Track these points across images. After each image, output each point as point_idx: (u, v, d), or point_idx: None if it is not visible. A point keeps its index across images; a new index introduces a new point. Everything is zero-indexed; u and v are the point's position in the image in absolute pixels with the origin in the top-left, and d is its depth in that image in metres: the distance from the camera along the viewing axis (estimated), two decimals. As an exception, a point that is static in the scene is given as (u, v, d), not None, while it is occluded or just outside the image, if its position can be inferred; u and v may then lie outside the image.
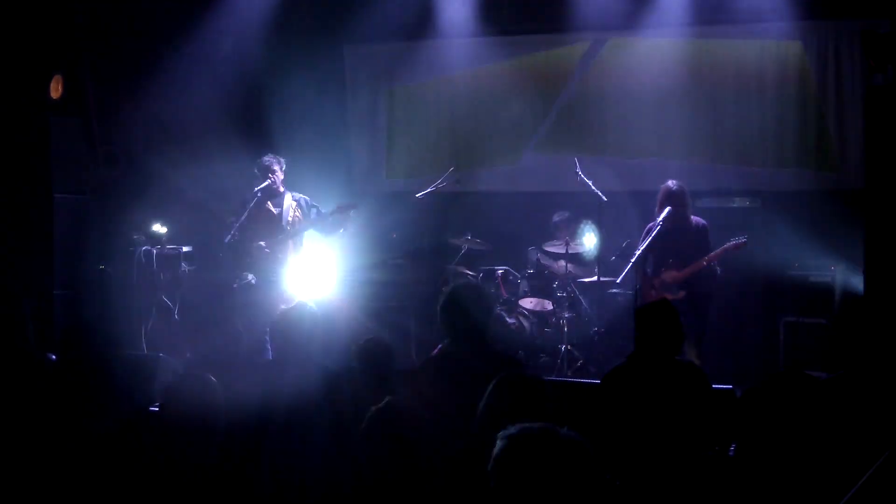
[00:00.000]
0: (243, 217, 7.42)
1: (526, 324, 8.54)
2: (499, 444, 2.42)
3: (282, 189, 7.71)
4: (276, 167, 7.65)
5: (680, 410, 4.24)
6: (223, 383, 3.83)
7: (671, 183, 7.37)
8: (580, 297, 8.50)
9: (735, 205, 8.47)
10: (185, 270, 8.77)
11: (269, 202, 7.61)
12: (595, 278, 8.17)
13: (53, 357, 5.15)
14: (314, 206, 7.78)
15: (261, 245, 7.49)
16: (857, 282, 7.61)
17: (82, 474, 4.05)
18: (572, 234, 8.55)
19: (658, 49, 8.92)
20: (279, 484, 4.09)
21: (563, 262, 8.53)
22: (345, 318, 8.06)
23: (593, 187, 7.82)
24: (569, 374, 8.05)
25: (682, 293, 7.17)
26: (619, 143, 9.17)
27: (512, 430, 2.44)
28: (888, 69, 7.37)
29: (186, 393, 3.71)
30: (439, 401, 4.03)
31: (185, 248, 8.82)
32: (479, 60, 9.57)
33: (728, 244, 7.32)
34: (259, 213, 7.56)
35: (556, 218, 8.73)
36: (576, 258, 8.63)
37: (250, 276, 7.52)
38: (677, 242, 7.38)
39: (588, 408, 5.33)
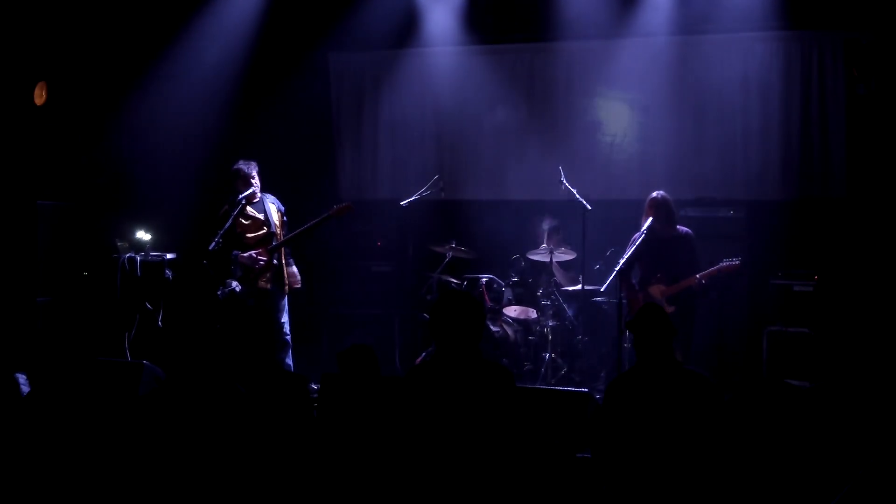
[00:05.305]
0: (227, 225, 7.36)
1: (510, 332, 8.53)
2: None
3: (259, 194, 7.63)
4: (254, 171, 7.58)
5: (687, 419, 4.14)
6: (206, 392, 3.82)
7: (655, 193, 7.41)
8: (564, 306, 8.49)
9: (719, 214, 8.48)
10: (168, 278, 8.72)
11: (250, 208, 7.55)
12: (579, 287, 8.18)
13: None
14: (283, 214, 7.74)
15: (253, 255, 7.43)
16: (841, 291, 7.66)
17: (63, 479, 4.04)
18: (560, 241, 8.55)
19: (642, 57, 8.95)
20: (262, 489, 4.08)
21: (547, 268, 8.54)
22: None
23: (577, 196, 7.81)
24: (553, 382, 8.05)
25: (672, 308, 7.07)
26: (603, 152, 9.20)
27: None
28: (870, 79, 7.44)
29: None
30: (424, 409, 4.03)
31: (168, 256, 8.77)
32: (464, 69, 9.58)
33: (722, 264, 7.28)
34: (244, 220, 7.51)
35: (545, 225, 8.72)
36: (560, 266, 8.64)
37: (234, 284, 7.46)
38: (662, 254, 7.39)
39: (594, 417, 5.33)
